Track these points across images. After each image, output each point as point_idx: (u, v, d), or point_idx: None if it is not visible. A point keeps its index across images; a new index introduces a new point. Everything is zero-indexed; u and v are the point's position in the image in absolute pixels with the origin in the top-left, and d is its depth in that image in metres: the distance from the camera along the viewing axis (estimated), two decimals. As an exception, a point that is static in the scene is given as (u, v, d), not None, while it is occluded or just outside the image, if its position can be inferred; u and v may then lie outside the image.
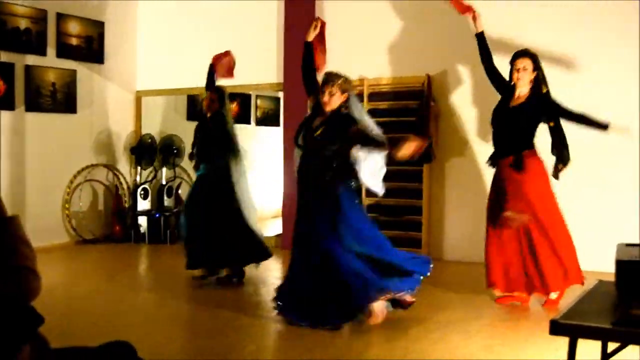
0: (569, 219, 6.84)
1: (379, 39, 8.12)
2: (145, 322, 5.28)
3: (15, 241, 2.13)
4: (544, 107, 5.49)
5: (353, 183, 5.01)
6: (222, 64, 6.81)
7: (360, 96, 8.05)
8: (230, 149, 6.46)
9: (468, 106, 7.62)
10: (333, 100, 4.96)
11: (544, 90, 5.50)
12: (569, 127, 6.88)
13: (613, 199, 6.88)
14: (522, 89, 5.55)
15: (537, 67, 5.52)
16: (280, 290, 5.17)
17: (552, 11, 7.19)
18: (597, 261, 6.49)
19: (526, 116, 5.48)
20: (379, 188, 5.06)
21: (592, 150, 6.92)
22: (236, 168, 6.46)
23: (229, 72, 6.87)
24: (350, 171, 4.94)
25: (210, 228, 6.40)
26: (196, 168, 6.71)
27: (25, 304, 2.16)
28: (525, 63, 5.50)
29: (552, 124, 5.53)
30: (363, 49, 8.19)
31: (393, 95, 8.03)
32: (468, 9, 5.94)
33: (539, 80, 5.52)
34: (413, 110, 7.74)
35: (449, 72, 7.73)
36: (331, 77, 4.99)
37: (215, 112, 6.53)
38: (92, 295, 6.09)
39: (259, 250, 6.50)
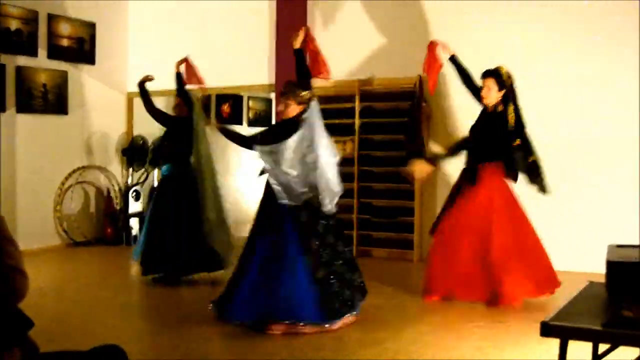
0: (568, 220, 6.90)
1: (370, 40, 8.12)
2: (136, 325, 5.27)
3: (2, 240, 2.13)
4: (496, 123, 5.61)
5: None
6: (188, 72, 6.85)
7: (351, 96, 8.06)
8: (195, 153, 6.54)
9: (459, 107, 7.62)
10: (288, 111, 5.08)
11: (511, 109, 5.58)
12: (570, 126, 6.95)
13: (612, 200, 6.89)
14: (490, 107, 5.72)
15: (503, 87, 5.62)
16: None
17: (552, 11, 7.23)
18: (593, 262, 6.55)
19: (485, 131, 5.67)
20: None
21: (592, 151, 6.96)
22: (201, 173, 6.50)
23: (197, 79, 6.88)
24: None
25: (177, 234, 6.46)
26: (155, 164, 6.76)
27: (12, 304, 2.15)
28: (489, 83, 5.66)
29: (517, 142, 5.59)
30: (355, 49, 8.18)
31: (385, 96, 8.04)
32: (433, 50, 6.13)
33: (508, 99, 5.62)
34: (405, 111, 7.74)
35: (440, 73, 7.70)
36: (287, 89, 5.11)
37: (184, 116, 6.69)
38: (83, 298, 6.06)
39: (211, 260, 6.49)
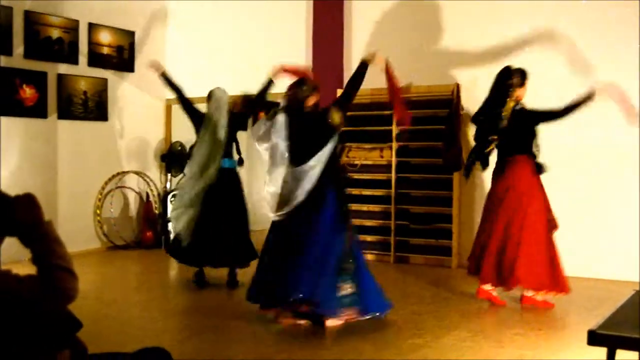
0: (613, 228, 6.81)
1: (408, 47, 8.09)
2: (177, 328, 5.32)
3: (51, 242, 2.18)
4: (531, 119, 5.78)
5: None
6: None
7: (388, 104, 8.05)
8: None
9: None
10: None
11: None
12: (594, 133, 6.89)
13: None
14: (511, 104, 5.83)
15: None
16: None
17: (553, 11, 7.20)
18: (630, 271, 6.45)
19: (518, 127, 5.78)
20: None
21: (626, 160, 6.85)
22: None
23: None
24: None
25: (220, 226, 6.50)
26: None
27: (63, 305, 2.19)
28: (524, 90, 5.83)
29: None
30: (392, 56, 8.12)
31: (423, 104, 8.00)
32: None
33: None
34: (442, 118, 7.70)
35: (478, 81, 7.67)
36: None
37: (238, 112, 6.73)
38: (124, 301, 6.14)
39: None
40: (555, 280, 5.60)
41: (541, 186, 5.79)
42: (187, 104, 6.74)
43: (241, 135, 7.02)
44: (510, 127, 5.77)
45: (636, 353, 2.81)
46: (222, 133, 6.48)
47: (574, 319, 5.35)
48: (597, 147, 7.03)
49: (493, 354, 4.49)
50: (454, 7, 7.82)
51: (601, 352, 2.57)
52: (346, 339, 4.81)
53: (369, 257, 8.25)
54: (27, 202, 2.15)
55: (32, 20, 8.10)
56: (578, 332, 4.67)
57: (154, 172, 9.70)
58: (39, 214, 2.17)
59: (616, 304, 2.90)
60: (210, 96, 6.69)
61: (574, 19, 7.15)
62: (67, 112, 8.53)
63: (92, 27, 8.78)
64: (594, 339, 2.43)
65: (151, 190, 9.51)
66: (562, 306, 5.80)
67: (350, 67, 8.45)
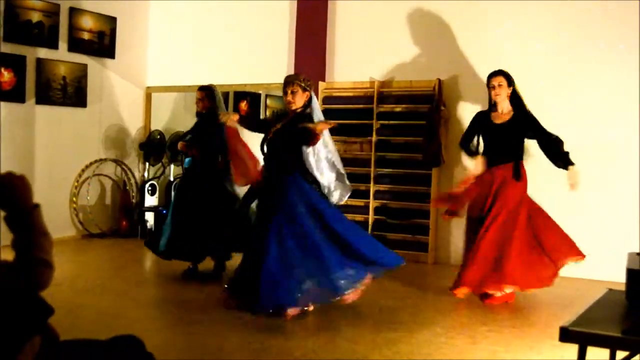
0: (586, 227, 6.89)
1: (390, 42, 8.10)
2: (151, 317, 5.29)
3: (34, 233, 2.16)
4: (527, 125, 5.85)
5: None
6: None
7: (370, 98, 8.07)
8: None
9: (477, 111, 7.60)
10: (296, 99, 5.26)
11: (525, 105, 5.90)
12: (572, 132, 6.97)
13: (621, 208, 6.85)
14: (503, 105, 5.92)
15: (511, 83, 5.89)
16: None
17: (553, 10, 7.23)
18: (605, 270, 6.51)
19: (514, 133, 5.87)
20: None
21: (609, 157, 6.91)
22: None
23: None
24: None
25: (201, 219, 6.49)
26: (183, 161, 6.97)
27: (35, 293, 2.18)
28: (499, 80, 5.90)
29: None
30: (375, 51, 8.18)
31: (404, 99, 8.02)
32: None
33: (518, 96, 5.90)
34: (423, 114, 7.72)
35: (459, 77, 7.71)
36: (290, 78, 5.33)
37: (207, 109, 6.71)
38: (98, 290, 6.10)
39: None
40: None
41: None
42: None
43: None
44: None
45: (606, 350, 2.85)
46: None
47: (547, 317, 5.39)
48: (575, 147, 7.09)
49: (466, 350, 4.52)
50: (437, 4, 7.82)
51: (573, 348, 2.60)
52: (320, 332, 4.82)
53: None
54: (20, 183, 2.17)
55: (12, 2, 7.99)
56: (551, 329, 4.72)
57: (132, 160, 9.64)
58: (28, 198, 2.18)
59: (589, 302, 2.93)
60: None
61: (560, 17, 7.21)
62: (45, 97, 8.44)
63: (73, 11, 8.69)
64: (566, 335, 2.45)
65: (129, 179, 9.45)
66: (536, 304, 5.85)
67: (332, 62, 8.46)
